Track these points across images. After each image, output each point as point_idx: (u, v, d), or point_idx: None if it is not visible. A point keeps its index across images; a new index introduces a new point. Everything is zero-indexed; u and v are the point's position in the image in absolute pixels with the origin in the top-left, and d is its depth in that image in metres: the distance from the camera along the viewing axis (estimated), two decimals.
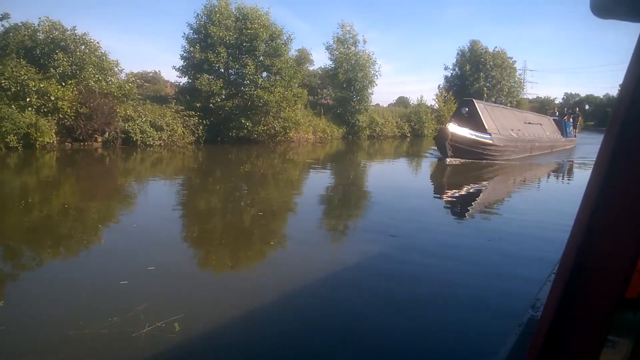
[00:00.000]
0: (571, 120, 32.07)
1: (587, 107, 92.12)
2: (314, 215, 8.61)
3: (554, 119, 30.51)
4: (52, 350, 3.27)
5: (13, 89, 17.69)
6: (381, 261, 5.73)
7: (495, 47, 50.56)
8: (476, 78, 48.68)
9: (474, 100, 20.09)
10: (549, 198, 11.99)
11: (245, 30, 24.50)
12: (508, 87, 50.61)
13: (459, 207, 10.21)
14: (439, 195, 12.24)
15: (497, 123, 20.33)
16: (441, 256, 5.99)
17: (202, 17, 24.81)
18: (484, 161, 18.72)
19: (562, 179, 17.39)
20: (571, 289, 1.12)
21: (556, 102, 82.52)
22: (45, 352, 3.25)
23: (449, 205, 10.57)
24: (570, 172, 19.22)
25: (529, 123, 24.54)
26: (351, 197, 10.97)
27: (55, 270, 5.23)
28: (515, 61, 52.45)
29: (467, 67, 49.02)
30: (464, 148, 18.37)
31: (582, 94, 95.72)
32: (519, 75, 56.38)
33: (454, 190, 12.82)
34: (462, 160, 18.42)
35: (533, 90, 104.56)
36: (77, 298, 4.25)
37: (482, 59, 48.82)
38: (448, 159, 18.37)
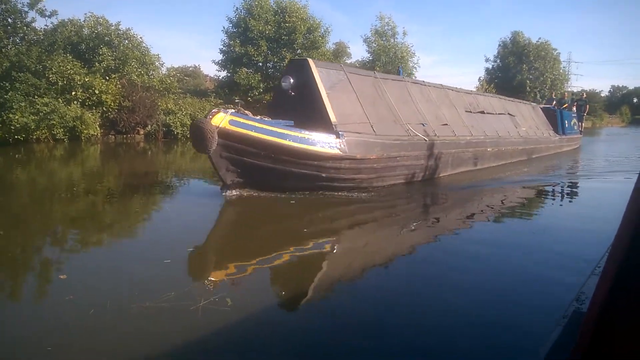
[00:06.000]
0: (574, 109, 22.74)
1: (635, 99, 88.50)
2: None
3: (543, 108, 20.96)
4: (121, 321, 3.31)
5: (60, 83, 18.23)
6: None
7: (539, 38, 49.01)
8: (519, 70, 47.27)
9: (309, 61, 8.75)
10: None
11: (284, 23, 24.50)
12: (551, 79, 48.92)
13: None
14: None
15: (373, 110, 9.36)
16: None
17: (241, 11, 24.99)
18: (327, 194, 8.09)
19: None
20: (619, 284, 1.10)
21: (602, 94, 79.47)
22: (116, 322, 3.28)
23: None
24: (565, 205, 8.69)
25: (482, 112, 13.90)
26: None
27: (103, 250, 5.23)
28: (559, 53, 50.70)
29: (510, 59, 47.68)
30: (264, 166, 7.65)
31: (631, 87, 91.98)
32: (563, 67, 54.37)
33: None
34: (260, 195, 7.88)
35: (578, 82, 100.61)
36: (129, 275, 4.25)
37: (525, 51, 47.36)
38: (227, 192, 7.75)
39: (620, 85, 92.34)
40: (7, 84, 16.96)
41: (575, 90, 62.11)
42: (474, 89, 41.05)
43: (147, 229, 6.39)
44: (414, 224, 6.71)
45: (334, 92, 8.69)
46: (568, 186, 10.87)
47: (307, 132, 7.78)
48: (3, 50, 17.88)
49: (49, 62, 18.09)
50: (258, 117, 8.03)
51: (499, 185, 10.58)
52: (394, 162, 9.12)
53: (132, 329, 3.19)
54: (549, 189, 10.35)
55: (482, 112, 13.99)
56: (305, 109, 8.50)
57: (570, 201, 9.20)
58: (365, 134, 8.63)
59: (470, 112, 13.34)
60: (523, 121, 17.01)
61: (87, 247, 5.38)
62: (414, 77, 33.20)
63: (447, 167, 11.04)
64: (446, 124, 11.38)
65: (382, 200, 8.11)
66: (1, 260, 4.72)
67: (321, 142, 7.83)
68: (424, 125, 10.39)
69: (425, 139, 9.95)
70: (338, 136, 7.99)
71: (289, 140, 7.60)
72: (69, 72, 18.35)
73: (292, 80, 8.73)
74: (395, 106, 10.04)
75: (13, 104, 16.43)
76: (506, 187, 10.36)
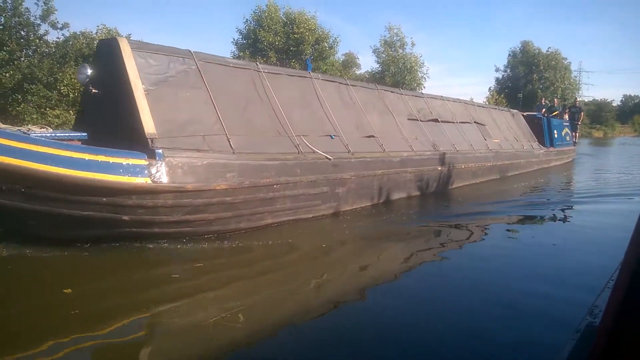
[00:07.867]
0: (566, 117, 20.09)
1: None
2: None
3: (527, 116, 17.82)
4: (136, 335, 3.34)
5: (71, 95, 18.36)
6: None
7: (549, 47, 48.91)
8: (529, 80, 47.15)
9: (120, 42, 5.40)
10: None
11: (292, 34, 24.63)
12: (562, 89, 48.67)
13: None
14: None
15: (240, 117, 6.43)
16: None
17: (251, 23, 25.17)
18: (150, 246, 5.21)
19: None
20: (631, 297, 1.09)
21: (613, 104, 78.82)
22: (130, 335, 3.32)
23: None
24: None
25: (435, 121, 11.20)
26: None
27: (114, 259, 5.11)
28: (570, 62, 50.50)
29: (520, 68, 47.63)
30: (13, 206, 4.58)
31: None
32: (574, 77, 54.08)
33: None
34: (25, 252, 4.82)
35: (589, 92, 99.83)
36: (138, 291, 4.20)
37: (535, 60, 47.27)
38: None
39: (633, 95, 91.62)
40: (19, 97, 17.14)
41: (586, 100, 61.49)
42: (484, 100, 40.72)
43: None
44: (286, 287, 4.45)
45: (164, 88, 5.71)
46: (548, 220, 7.94)
47: (89, 151, 4.79)
48: (16, 62, 18.08)
49: (60, 74, 18.26)
50: (17, 130, 5.32)
51: (444, 220, 7.62)
52: (269, 193, 6.12)
53: None
54: (514, 226, 7.50)
55: (436, 121, 11.23)
56: (114, 113, 5.69)
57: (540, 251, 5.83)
58: (214, 151, 5.66)
59: (417, 120, 10.50)
60: (497, 131, 14.23)
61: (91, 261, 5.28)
62: (422, 88, 32.97)
63: (371, 195, 8.12)
64: (372, 136, 8.61)
65: (244, 251, 5.40)
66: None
67: (117, 167, 4.81)
68: (332, 138, 7.64)
69: (328, 158, 7.03)
70: (153, 156, 5.01)
71: (52, 165, 4.50)
72: (80, 84, 18.50)
73: (89, 71, 5.82)
74: (283, 111, 7.03)
75: (25, 116, 16.59)
76: (450, 222, 7.42)
